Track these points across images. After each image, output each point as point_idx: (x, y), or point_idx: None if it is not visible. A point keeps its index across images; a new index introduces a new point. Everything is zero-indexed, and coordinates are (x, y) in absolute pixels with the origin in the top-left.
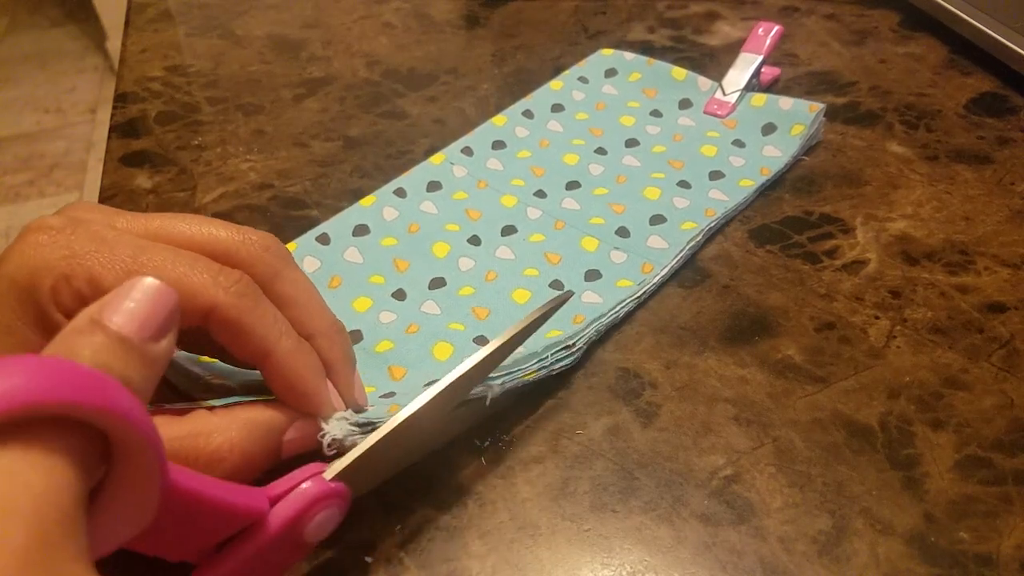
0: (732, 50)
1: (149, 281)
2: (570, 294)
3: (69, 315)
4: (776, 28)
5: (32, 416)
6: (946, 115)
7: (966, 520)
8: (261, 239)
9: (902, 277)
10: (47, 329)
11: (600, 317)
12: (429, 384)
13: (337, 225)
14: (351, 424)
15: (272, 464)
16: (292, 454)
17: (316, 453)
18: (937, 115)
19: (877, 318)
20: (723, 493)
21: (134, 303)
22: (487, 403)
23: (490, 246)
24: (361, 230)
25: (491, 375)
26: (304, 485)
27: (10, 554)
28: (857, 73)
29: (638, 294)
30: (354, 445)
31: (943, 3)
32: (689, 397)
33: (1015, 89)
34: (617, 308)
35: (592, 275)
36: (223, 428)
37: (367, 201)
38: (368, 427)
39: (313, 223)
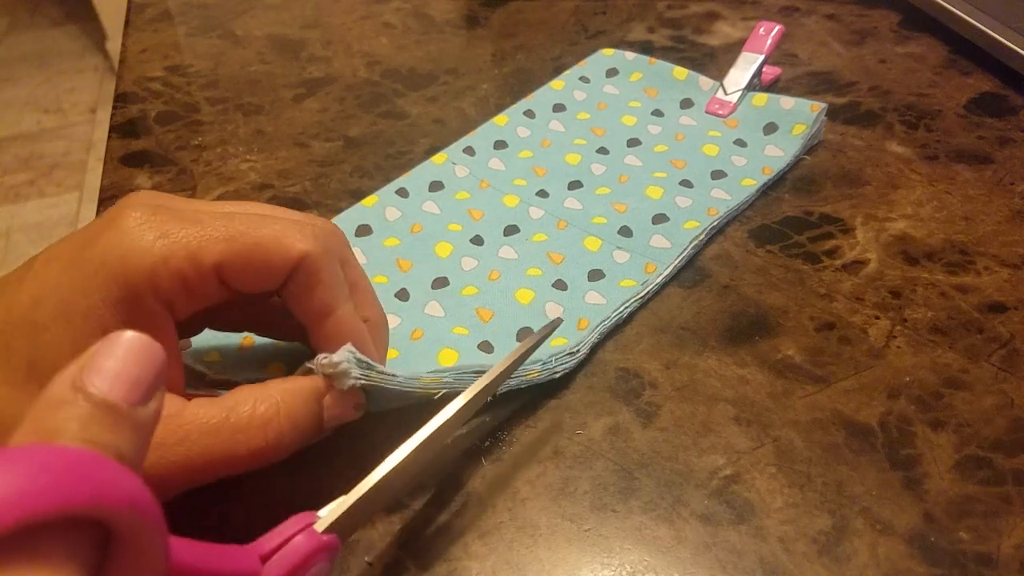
0: (732, 50)
1: (130, 335)
2: (559, 322)
3: (165, 300)
4: (777, 28)
5: (34, 526)
6: (946, 115)
7: (966, 520)
8: (326, 223)
9: (902, 277)
10: (133, 316)
11: (604, 320)
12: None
13: (339, 226)
14: (356, 358)
15: (316, 435)
16: (334, 423)
17: (307, 501)
18: (937, 115)
19: (877, 318)
20: (723, 493)
21: (117, 362)
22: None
23: (493, 246)
24: (364, 230)
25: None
26: (296, 540)
27: None
28: (857, 73)
29: (642, 294)
30: (345, 373)
31: (943, 3)
32: (689, 397)
33: (1015, 89)
34: (621, 309)
35: (595, 275)
36: (266, 396)
37: (369, 201)
38: (365, 366)
39: None
